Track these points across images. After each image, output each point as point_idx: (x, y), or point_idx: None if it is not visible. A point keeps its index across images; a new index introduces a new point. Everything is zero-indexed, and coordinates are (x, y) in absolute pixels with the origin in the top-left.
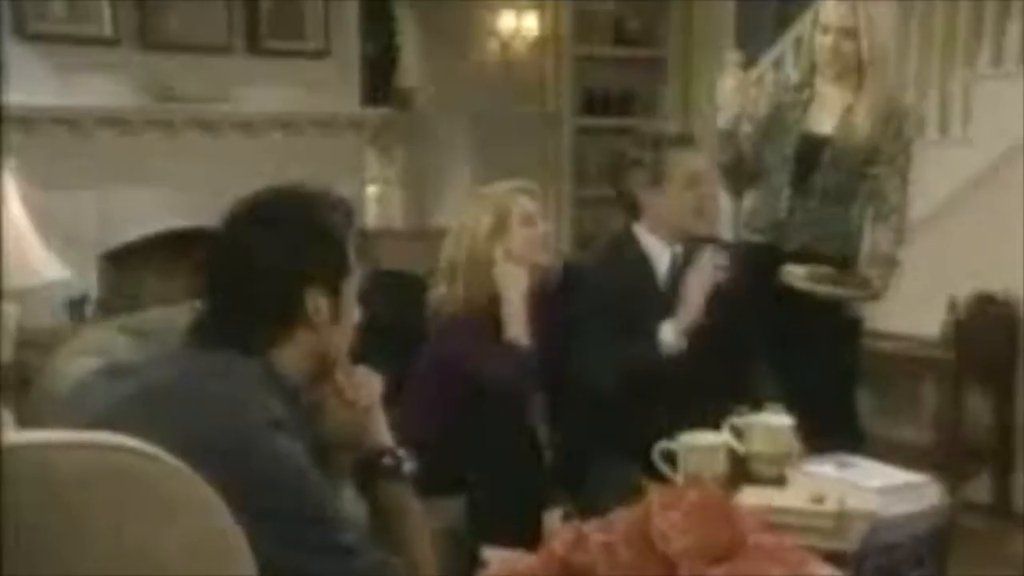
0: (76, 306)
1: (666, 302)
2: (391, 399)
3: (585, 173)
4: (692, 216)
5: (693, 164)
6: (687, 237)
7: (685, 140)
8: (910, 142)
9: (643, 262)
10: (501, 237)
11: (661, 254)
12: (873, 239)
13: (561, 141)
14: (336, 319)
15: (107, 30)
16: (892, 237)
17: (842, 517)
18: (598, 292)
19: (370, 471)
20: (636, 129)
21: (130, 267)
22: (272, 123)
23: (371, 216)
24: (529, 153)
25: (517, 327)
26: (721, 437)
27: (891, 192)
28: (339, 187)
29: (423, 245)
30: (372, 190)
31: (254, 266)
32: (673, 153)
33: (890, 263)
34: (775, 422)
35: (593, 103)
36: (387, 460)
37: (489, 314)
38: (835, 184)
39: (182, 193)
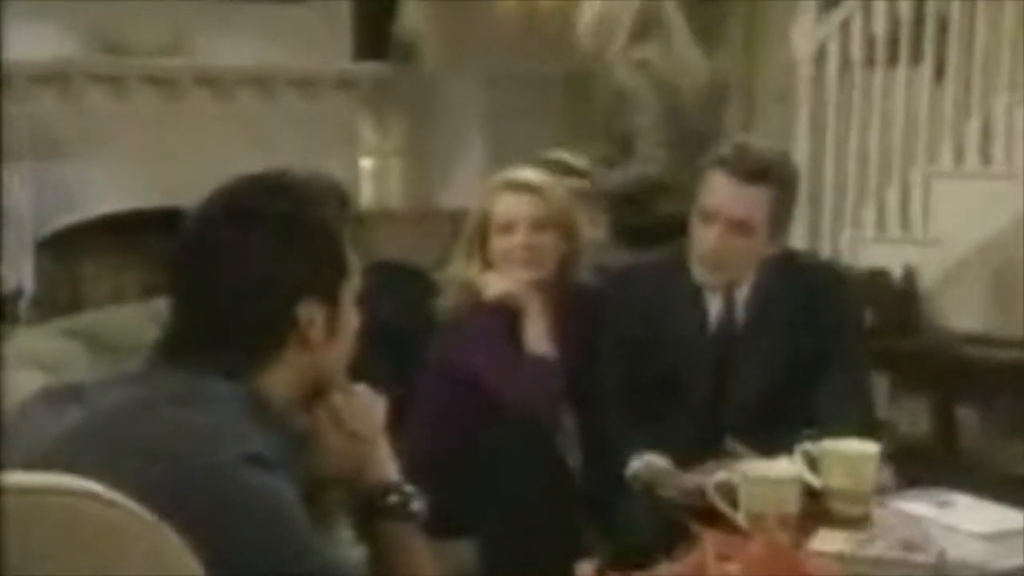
0: (7, 304)
1: (713, 358)
2: (393, 419)
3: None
4: (697, 259)
5: (715, 195)
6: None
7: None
8: None
9: (693, 299)
10: (479, 242)
11: (714, 291)
12: None
13: (593, 105)
14: (333, 332)
15: None
16: None
17: (942, 571)
18: (627, 327)
19: (371, 510)
20: None
21: (72, 257)
22: (243, 81)
23: (366, 196)
24: (555, 120)
25: (537, 339)
26: (791, 468)
27: None
28: (327, 162)
29: (428, 231)
30: (367, 164)
31: (235, 275)
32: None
33: None
34: (858, 449)
35: None
36: (392, 498)
37: (502, 308)
38: None
39: (134, 167)
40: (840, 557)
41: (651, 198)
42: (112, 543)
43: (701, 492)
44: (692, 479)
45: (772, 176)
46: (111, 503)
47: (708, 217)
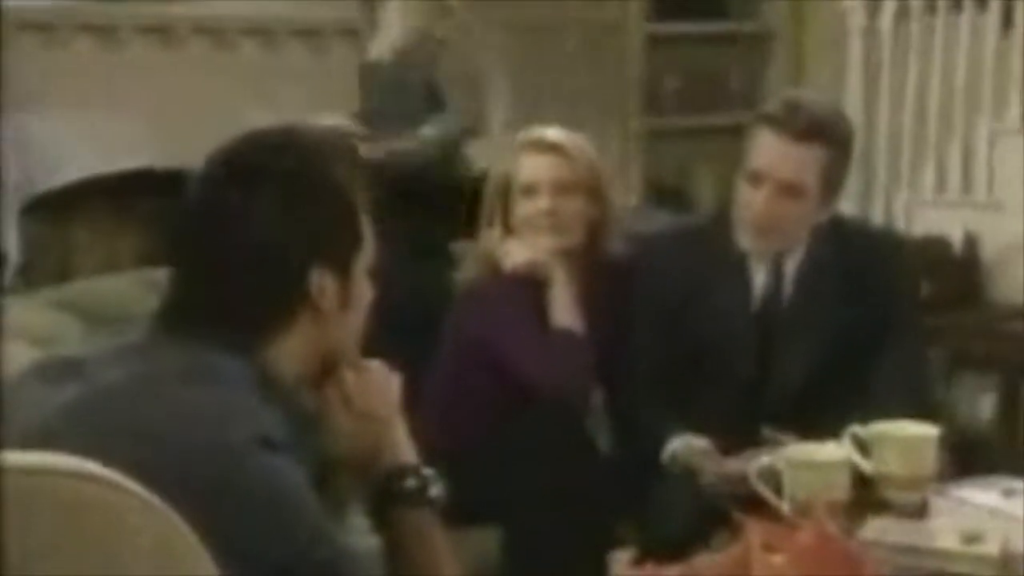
0: None
1: (757, 333)
2: (409, 399)
3: (660, 98)
4: (742, 225)
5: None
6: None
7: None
8: None
9: (736, 268)
10: (501, 208)
11: (759, 260)
12: None
13: (628, 56)
14: (346, 303)
15: None
16: None
17: (1007, 564)
18: (662, 299)
19: (387, 496)
20: (730, 35)
21: (61, 222)
22: (245, 31)
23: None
24: (586, 73)
25: (564, 312)
26: (840, 451)
27: None
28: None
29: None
30: None
31: (240, 240)
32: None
33: None
34: (914, 432)
35: (670, 4)
36: (409, 482)
37: (525, 279)
38: None
39: (128, 124)
40: (894, 548)
41: None
42: (118, 533)
43: (743, 478)
44: (734, 464)
45: (825, 134)
46: (117, 487)
47: (755, 179)
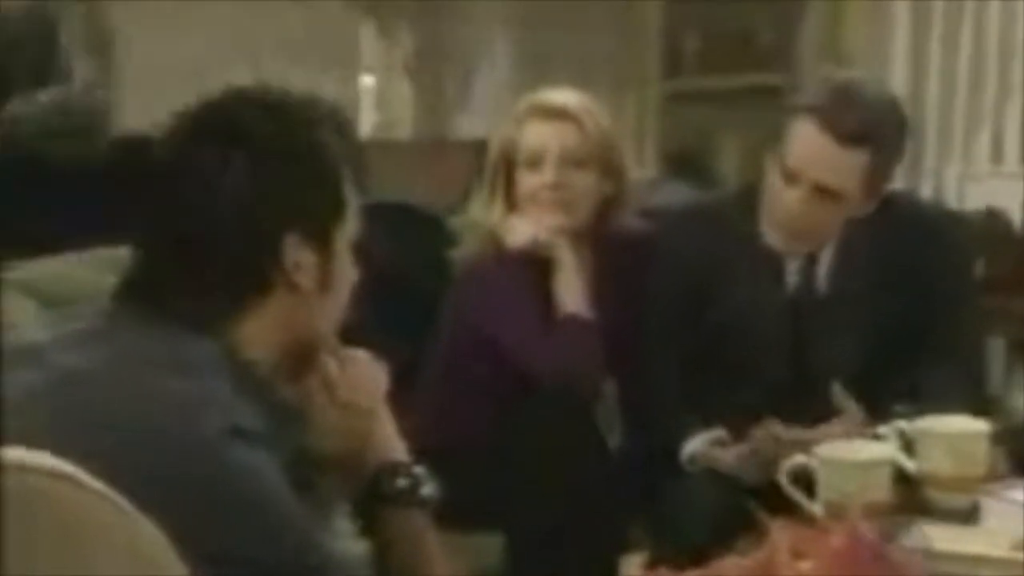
0: None
1: (790, 318)
2: (400, 392)
3: (679, 57)
4: (770, 220)
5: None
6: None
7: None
8: None
9: (766, 251)
10: (503, 180)
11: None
12: None
13: (644, 11)
14: (325, 281)
15: None
16: None
17: None
18: (683, 283)
19: (374, 496)
20: None
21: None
22: None
23: (367, 122)
24: (598, 30)
25: (571, 296)
26: (881, 449)
27: None
28: (320, 80)
29: (443, 166)
30: (368, 83)
31: (209, 205)
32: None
33: None
34: (963, 428)
35: None
36: (399, 481)
37: (529, 259)
38: None
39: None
40: (940, 556)
41: None
42: (94, 533)
43: (766, 460)
44: (752, 443)
45: (875, 136)
46: (86, 487)
47: (791, 176)
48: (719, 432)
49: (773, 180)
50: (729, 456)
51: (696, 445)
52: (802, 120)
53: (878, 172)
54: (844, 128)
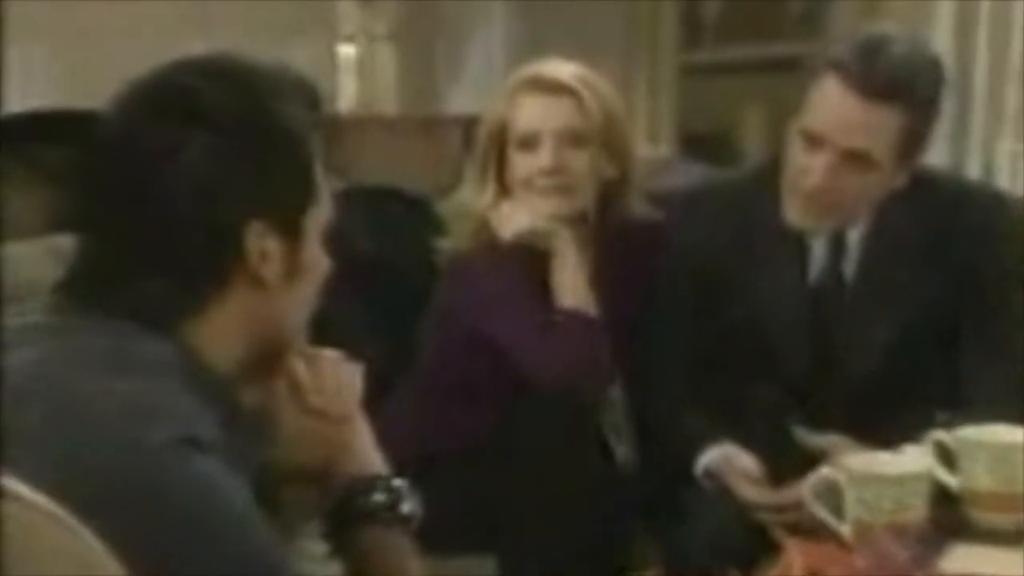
0: None
1: (813, 316)
2: (378, 397)
3: (698, 24)
4: (791, 193)
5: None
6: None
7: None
8: None
9: (788, 235)
10: (495, 162)
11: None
12: None
13: None
14: (293, 274)
15: None
16: None
17: None
18: (696, 273)
19: (348, 514)
20: None
21: None
22: None
23: (346, 95)
24: None
25: (571, 289)
26: (919, 463)
27: None
28: (294, 49)
29: (430, 145)
30: (348, 53)
31: (162, 189)
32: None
33: None
34: (1011, 439)
35: None
36: (376, 496)
37: (525, 249)
38: None
39: (37, 56)
40: None
41: None
42: (44, 553)
43: (795, 505)
44: (789, 494)
45: (908, 92)
46: (33, 506)
47: (813, 141)
48: (746, 459)
49: (794, 149)
50: (755, 494)
51: (713, 458)
52: (826, 76)
53: (912, 135)
54: (872, 83)
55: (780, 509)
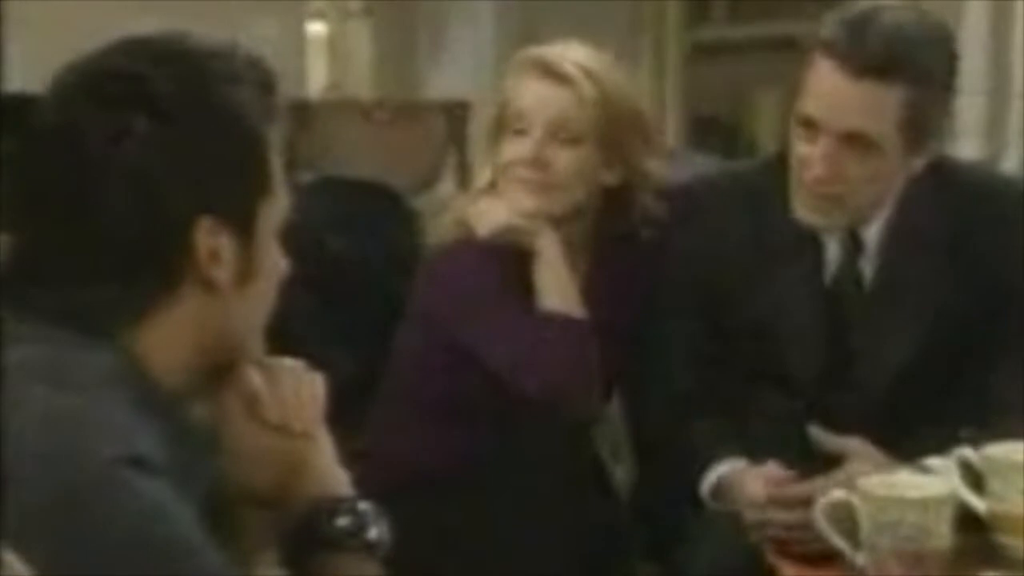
0: None
1: (829, 317)
2: (344, 412)
3: (706, 2)
4: (800, 193)
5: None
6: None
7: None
8: None
9: (801, 232)
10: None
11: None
12: None
13: None
14: (247, 275)
15: None
16: None
17: None
18: (700, 274)
19: (309, 539)
20: None
21: None
22: None
23: (316, 78)
24: None
25: (554, 291)
26: (941, 484)
27: None
28: (256, 25)
29: (409, 132)
30: (318, 31)
31: (101, 181)
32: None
33: None
34: None
35: None
36: (340, 520)
37: (506, 248)
38: None
39: None
40: None
41: None
42: None
43: (807, 506)
44: (800, 490)
45: (905, 65)
46: None
47: (810, 127)
48: (743, 465)
49: (795, 142)
50: (761, 492)
51: (723, 473)
52: (817, 58)
53: (918, 113)
54: (861, 58)
55: (787, 527)
